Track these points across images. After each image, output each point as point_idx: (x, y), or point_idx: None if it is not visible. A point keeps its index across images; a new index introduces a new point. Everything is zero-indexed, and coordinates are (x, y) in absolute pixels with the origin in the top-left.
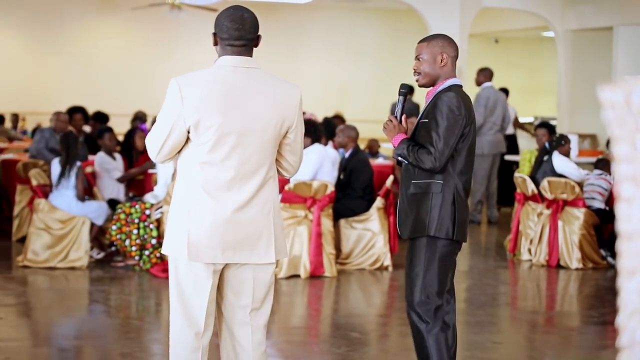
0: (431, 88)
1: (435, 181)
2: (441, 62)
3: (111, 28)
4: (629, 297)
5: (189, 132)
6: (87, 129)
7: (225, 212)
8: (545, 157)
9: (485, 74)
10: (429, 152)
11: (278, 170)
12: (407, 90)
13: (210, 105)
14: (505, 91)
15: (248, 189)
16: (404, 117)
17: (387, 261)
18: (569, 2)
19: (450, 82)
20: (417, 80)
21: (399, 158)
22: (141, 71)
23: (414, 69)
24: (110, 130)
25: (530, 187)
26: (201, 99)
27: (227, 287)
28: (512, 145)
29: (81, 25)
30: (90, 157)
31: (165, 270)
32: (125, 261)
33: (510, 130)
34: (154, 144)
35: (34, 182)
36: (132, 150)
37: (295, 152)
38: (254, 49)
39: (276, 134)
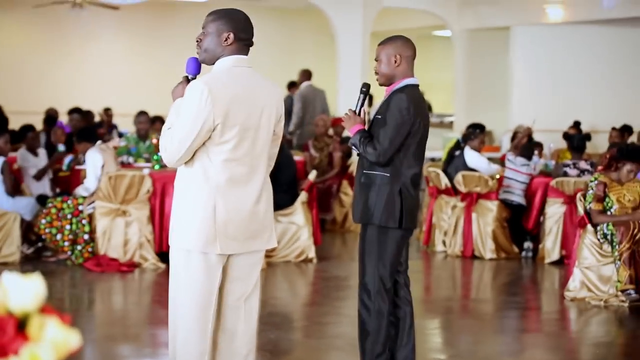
0: (389, 86)
1: (382, 174)
2: (395, 62)
3: (9, 25)
4: None
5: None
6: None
7: (248, 205)
8: (457, 152)
9: (304, 75)
10: (374, 148)
11: None
12: (366, 89)
13: (236, 104)
14: None
15: (258, 182)
16: (363, 110)
17: (312, 254)
18: (466, 2)
19: (405, 82)
20: (377, 80)
21: (352, 146)
22: (39, 69)
23: (375, 70)
24: (33, 128)
25: (444, 181)
26: (230, 98)
27: (227, 273)
28: None
29: None
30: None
31: (99, 264)
32: (57, 256)
33: None
34: (178, 148)
35: None
36: (52, 147)
37: (278, 145)
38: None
39: (273, 128)
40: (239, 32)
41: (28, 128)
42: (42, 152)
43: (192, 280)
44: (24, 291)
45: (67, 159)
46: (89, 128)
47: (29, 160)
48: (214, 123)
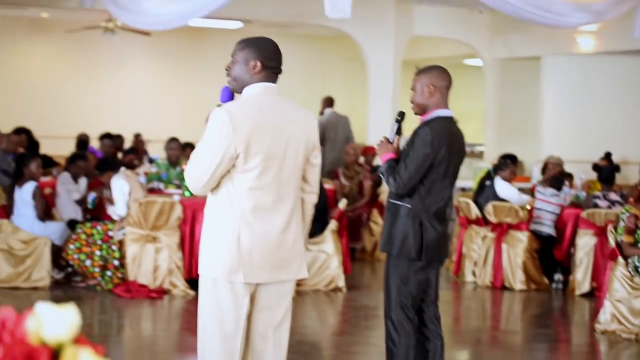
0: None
1: (404, 204)
2: (429, 93)
3: (42, 49)
4: None
5: (234, 160)
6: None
7: (274, 233)
8: (488, 182)
9: (326, 102)
10: (394, 179)
11: (303, 198)
12: (401, 117)
13: (259, 132)
14: None
15: (286, 211)
16: (396, 138)
17: (341, 282)
18: (497, 31)
19: (436, 113)
20: (412, 109)
21: (381, 174)
22: (71, 93)
23: (410, 99)
24: (84, 157)
25: (474, 211)
26: (252, 126)
27: (256, 302)
28: None
29: (11, 46)
30: None
31: (129, 290)
32: (86, 281)
33: None
34: (201, 176)
35: None
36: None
37: (318, 173)
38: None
39: (305, 157)
40: (266, 60)
41: (80, 156)
42: (82, 180)
43: (219, 308)
44: (58, 321)
45: (91, 196)
46: (108, 158)
47: (69, 185)
48: (235, 151)
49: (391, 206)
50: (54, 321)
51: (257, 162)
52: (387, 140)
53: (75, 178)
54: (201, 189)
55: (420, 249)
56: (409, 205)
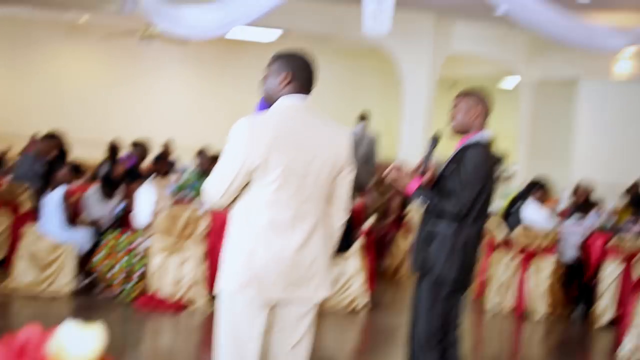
0: (462, 137)
1: (447, 226)
2: (474, 114)
3: (79, 53)
4: None
5: (253, 173)
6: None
7: (290, 250)
8: (516, 205)
9: (359, 117)
10: (455, 199)
11: (330, 216)
12: (436, 141)
13: (279, 145)
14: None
15: (306, 228)
16: (429, 162)
17: (364, 301)
18: (535, 52)
19: (481, 135)
20: (452, 126)
21: (420, 199)
22: (105, 98)
23: (451, 117)
24: (111, 183)
25: (500, 234)
26: (272, 138)
27: (273, 323)
28: None
29: (49, 49)
30: None
31: (150, 302)
32: (108, 291)
33: None
34: (219, 187)
35: (26, 207)
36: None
37: (346, 192)
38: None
39: (331, 175)
40: (297, 73)
41: (108, 181)
42: (118, 193)
43: (234, 324)
44: (84, 340)
45: (117, 208)
46: (134, 169)
47: (96, 203)
48: (253, 163)
49: (431, 227)
50: (80, 340)
51: (276, 176)
52: (398, 169)
53: (105, 195)
54: (219, 201)
55: (457, 274)
56: (453, 227)
